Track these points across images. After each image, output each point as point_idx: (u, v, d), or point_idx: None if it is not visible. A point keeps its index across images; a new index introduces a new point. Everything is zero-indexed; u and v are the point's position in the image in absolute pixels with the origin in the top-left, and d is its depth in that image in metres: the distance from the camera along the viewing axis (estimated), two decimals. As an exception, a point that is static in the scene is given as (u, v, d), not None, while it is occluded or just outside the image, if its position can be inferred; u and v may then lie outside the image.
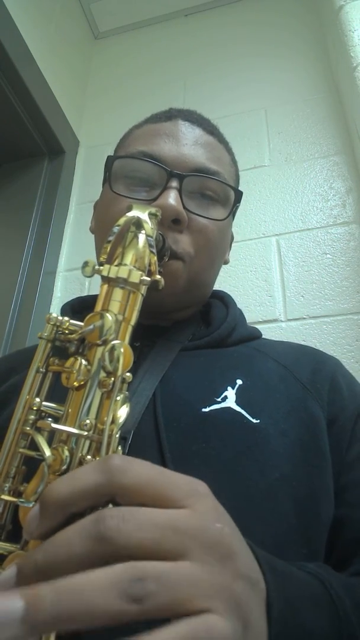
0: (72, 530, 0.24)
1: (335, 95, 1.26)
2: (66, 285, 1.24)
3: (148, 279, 0.36)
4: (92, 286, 1.20)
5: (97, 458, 0.30)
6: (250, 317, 1.03)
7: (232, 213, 0.61)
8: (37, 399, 0.34)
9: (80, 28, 1.63)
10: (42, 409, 0.34)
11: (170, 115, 0.62)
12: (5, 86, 1.20)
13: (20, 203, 1.31)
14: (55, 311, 1.20)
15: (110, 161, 0.59)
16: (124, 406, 0.32)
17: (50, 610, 0.21)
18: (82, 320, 0.35)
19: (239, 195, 0.60)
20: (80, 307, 0.63)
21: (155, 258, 0.39)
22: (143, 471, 0.26)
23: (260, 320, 1.02)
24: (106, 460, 0.26)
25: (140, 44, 1.62)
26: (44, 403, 0.34)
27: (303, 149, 1.22)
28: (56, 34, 1.44)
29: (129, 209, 0.41)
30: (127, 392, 0.33)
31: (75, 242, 1.30)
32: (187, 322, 0.60)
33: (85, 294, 1.19)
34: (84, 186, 1.39)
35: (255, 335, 0.63)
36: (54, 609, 0.21)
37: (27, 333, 1.11)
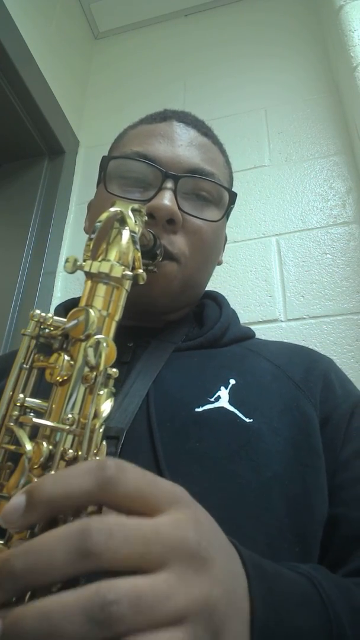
0: (55, 539, 0.23)
1: (335, 95, 1.26)
2: (66, 285, 1.24)
3: (130, 273, 0.36)
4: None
5: (80, 453, 0.29)
6: (250, 317, 1.03)
7: (226, 214, 0.61)
8: (21, 395, 0.34)
9: (80, 28, 1.63)
10: (25, 404, 0.34)
11: (165, 116, 0.63)
12: (5, 86, 1.20)
13: (20, 203, 1.31)
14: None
15: (105, 161, 0.59)
16: (108, 401, 0.32)
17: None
18: None
19: (233, 196, 0.61)
20: (65, 311, 0.63)
21: (139, 254, 0.39)
22: (134, 480, 0.25)
23: (260, 320, 1.02)
24: (101, 467, 0.25)
25: (140, 44, 1.62)
26: (28, 399, 0.34)
27: (303, 149, 1.22)
28: (56, 34, 1.44)
29: (112, 204, 0.41)
30: (113, 388, 0.33)
31: (75, 242, 1.30)
32: (180, 323, 0.60)
33: (85, 294, 1.19)
34: (84, 186, 1.39)
35: (249, 335, 0.63)
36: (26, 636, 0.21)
37: (27, 333, 1.11)
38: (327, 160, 1.18)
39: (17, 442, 0.33)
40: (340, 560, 0.43)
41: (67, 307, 0.63)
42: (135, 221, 0.40)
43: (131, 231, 0.39)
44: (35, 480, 0.28)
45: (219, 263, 0.67)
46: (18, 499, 0.24)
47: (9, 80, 1.19)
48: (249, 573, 0.28)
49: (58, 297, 1.22)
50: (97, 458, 0.30)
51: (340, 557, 0.44)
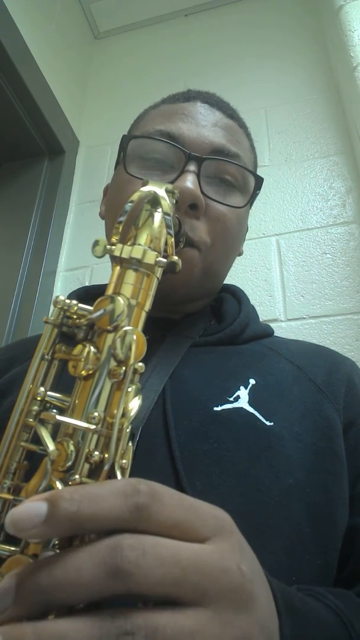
0: (85, 554, 0.21)
1: (335, 95, 1.26)
2: (66, 285, 1.24)
3: (164, 260, 0.33)
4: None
5: (106, 455, 0.27)
6: (250, 317, 1.03)
7: (251, 201, 0.58)
8: (42, 389, 0.31)
9: (80, 28, 1.63)
10: (46, 399, 0.31)
11: (189, 96, 0.60)
12: (5, 86, 1.20)
13: (20, 203, 1.31)
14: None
15: (125, 141, 0.55)
16: (136, 398, 0.29)
17: None
18: None
19: (259, 181, 0.57)
20: (87, 297, 0.60)
21: (173, 240, 0.36)
22: (171, 509, 0.23)
23: (260, 320, 1.02)
24: (134, 491, 0.23)
25: (140, 44, 1.61)
26: (49, 393, 0.31)
27: (303, 149, 1.22)
28: (56, 34, 1.44)
29: (145, 184, 0.38)
30: (139, 384, 0.30)
31: (75, 242, 1.30)
32: (198, 316, 0.58)
33: (85, 293, 1.19)
34: (84, 186, 1.39)
35: (268, 332, 0.61)
36: None
37: (27, 333, 1.11)
38: (327, 160, 1.18)
39: (35, 439, 0.31)
40: (359, 574, 0.42)
41: (80, 297, 0.59)
42: (169, 203, 0.37)
43: (165, 213, 0.36)
44: (58, 484, 0.26)
45: (240, 254, 0.64)
46: (38, 506, 0.22)
47: (9, 80, 1.19)
48: (279, 610, 0.26)
49: (58, 297, 1.22)
50: (124, 461, 0.28)
51: (358, 570, 0.42)
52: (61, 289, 1.23)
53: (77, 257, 1.27)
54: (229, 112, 0.60)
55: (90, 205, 1.34)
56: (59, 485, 0.26)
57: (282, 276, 1.07)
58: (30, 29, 1.27)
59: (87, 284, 1.21)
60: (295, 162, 1.21)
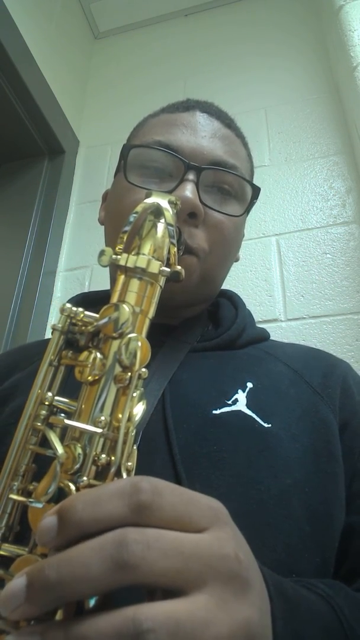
0: (91, 549, 0.22)
1: (335, 95, 1.26)
2: (66, 285, 1.24)
3: (168, 269, 0.34)
4: (93, 286, 1.20)
5: (113, 458, 0.28)
6: (250, 317, 1.03)
7: (248, 210, 0.60)
8: (49, 394, 0.32)
9: (80, 28, 1.63)
10: (54, 403, 0.32)
11: (188, 106, 0.61)
12: (6, 86, 1.20)
13: (20, 203, 1.31)
14: (55, 311, 1.21)
15: (126, 150, 0.57)
16: (140, 403, 0.30)
17: None
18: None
19: (256, 191, 0.59)
20: (84, 303, 0.62)
21: (176, 249, 0.37)
22: (172, 504, 0.24)
23: (260, 320, 1.02)
24: (135, 490, 0.24)
25: (140, 43, 1.62)
26: (56, 398, 0.33)
27: (303, 149, 1.22)
28: (56, 33, 1.44)
29: (148, 195, 0.39)
30: (142, 389, 0.32)
31: (75, 242, 1.30)
32: (196, 321, 0.59)
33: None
34: (84, 186, 1.39)
35: (264, 336, 0.62)
36: None
37: (27, 333, 1.11)
38: (327, 160, 1.18)
39: (43, 442, 0.32)
40: (355, 571, 0.42)
41: (78, 304, 0.61)
42: (172, 214, 0.38)
43: (168, 224, 0.37)
44: (71, 486, 0.27)
45: (236, 260, 0.66)
46: (50, 521, 0.24)
47: (9, 80, 1.19)
48: (271, 595, 0.28)
49: (58, 297, 1.22)
50: (129, 464, 0.29)
51: (355, 568, 0.43)
52: (61, 289, 1.23)
53: (77, 257, 1.27)
54: (227, 122, 0.61)
55: (90, 205, 1.34)
56: (70, 485, 0.27)
57: (282, 276, 1.07)
58: (30, 28, 1.27)
59: (86, 284, 1.21)
60: (295, 162, 1.21)
